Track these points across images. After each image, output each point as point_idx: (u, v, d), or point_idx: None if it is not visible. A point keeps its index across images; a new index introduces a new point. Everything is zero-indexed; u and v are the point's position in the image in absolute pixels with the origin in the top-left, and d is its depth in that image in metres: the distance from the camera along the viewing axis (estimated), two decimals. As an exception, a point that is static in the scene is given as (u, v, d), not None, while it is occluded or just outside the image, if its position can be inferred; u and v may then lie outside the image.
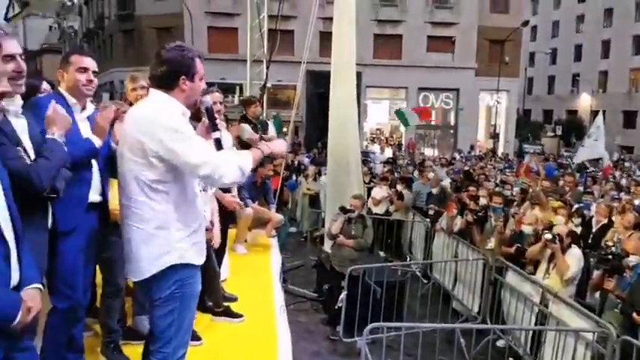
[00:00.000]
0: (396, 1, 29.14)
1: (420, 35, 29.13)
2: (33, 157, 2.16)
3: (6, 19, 48.06)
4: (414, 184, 10.62)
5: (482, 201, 7.92)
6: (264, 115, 7.91)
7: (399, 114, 17.69)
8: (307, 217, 11.06)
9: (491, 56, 29.34)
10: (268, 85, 11.86)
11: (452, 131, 31.55)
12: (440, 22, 29.31)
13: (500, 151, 29.26)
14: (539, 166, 12.59)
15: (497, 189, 8.89)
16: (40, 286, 1.67)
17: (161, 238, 2.17)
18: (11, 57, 2.06)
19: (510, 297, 5.95)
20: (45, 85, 3.13)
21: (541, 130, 40.80)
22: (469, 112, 30.13)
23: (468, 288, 6.92)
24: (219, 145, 2.40)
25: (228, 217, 4.54)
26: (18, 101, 2.15)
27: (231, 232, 5.22)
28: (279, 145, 2.41)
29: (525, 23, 29.31)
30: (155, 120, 2.12)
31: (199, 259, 2.32)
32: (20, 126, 2.16)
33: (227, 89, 21.77)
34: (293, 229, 11.46)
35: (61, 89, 2.61)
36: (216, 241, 3.81)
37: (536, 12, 49.68)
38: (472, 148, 29.20)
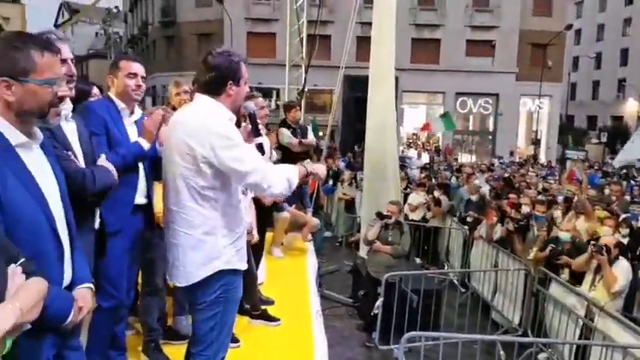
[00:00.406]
0: (435, 5, 28.85)
1: (458, 39, 28.72)
2: (82, 160, 2.23)
3: (56, 25, 50.15)
4: (458, 191, 10.45)
5: (524, 209, 7.69)
6: (302, 119, 7.92)
7: (446, 117, 17.45)
8: (343, 222, 11.04)
9: (533, 60, 28.61)
10: (305, 89, 11.92)
11: (490, 137, 30.90)
12: (480, 26, 28.83)
13: (541, 157, 28.45)
14: (583, 173, 12.14)
15: (539, 197, 8.61)
16: (91, 285, 1.71)
17: (209, 243, 2.19)
18: (63, 61, 2.14)
19: (554, 309, 5.75)
20: (95, 90, 3.23)
21: (585, 136, 39.37)
22: (509, 118, 29.46)
23: (508, 298, 6.73)
24: (261, 150, 2.42)
25: (266, 220, 4.57)
26: (68, 105, 2.21)
27: (268, 235, 5.25)
28: (320, 169, 2.40)
29: (569, 27, 28.52)
30: (206, 126, 2.13)
31: (243, 265, 2.34)
32: (70, 130, 2.23)
33: (264, 94, 21.94)
34: (328, 234, 11.46)
35: (111, 94, 2.69)
36: (255, 237, 3.80)
37: (581, 15, 48.15)
38: (512, 154, 28.50)
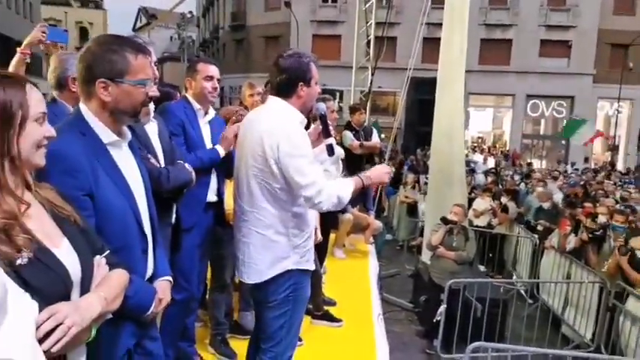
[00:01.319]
0: (507, 4, 27.80)
1: (532, 39, 27.48)
2: (162, 158, 2.35)
3: (134, 29, 53.14)
4: (527, 198, 10.04)
5: (601, 219, 7.25)
6: (367, 121, 7.90)
7: (574, 123, 16.31)
8: (404, 225, 10.88)
9: (613, 62, 26.88)
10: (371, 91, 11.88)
11: (563, 142, 29.36)
12: (555, 26, 27.44)
13: (619, 164, 26.67)
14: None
15: (618, 206, 8.09)
16: (170, 278, 1.79)
17: (280, 243, 2.24)
18: None
19: (631, 326, 5.38)
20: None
21: (669, 143, 36.47)
22: (584, 122, 27.82)
23: (580, 312, 6.37)
24: (331, 150, 2.44)
25: (329, 221, 4.60)
26: (151, 105, 2.35)
27: (331, 236, 5.28)
28: (380, 177, 2.37)
29: (654, 25, 26.51)
30: (277, 129, 2.17)
31: (311, 265, 2.38)
32: (152, 129, 2.36)
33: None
34: (389, 237, 11.35)
35: (188, 95, 2.82)
36: (319, 238, 3.83)
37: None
38: (586, 160, 26.92)
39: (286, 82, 2.25)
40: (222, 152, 2.73)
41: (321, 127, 2.52)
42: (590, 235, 6.83)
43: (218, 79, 2.82)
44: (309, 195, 2.13)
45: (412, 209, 10.93)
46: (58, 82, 2.40)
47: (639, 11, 27.59)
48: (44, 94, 1.37)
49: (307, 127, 2.73)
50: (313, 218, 2.48)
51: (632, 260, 5.72)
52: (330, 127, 2.49)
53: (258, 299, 2.40)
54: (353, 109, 6.44)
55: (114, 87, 1.55)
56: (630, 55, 26.31)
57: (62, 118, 1.71)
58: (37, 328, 1.09)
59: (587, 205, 8.09)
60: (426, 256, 7.10)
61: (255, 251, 2.27)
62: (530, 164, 21.96)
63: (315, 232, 3.69)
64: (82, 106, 1.60)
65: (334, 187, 2.19)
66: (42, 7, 38.44)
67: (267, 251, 2.25)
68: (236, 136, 2.60)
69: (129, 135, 1.68)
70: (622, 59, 25.84)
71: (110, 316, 1.36)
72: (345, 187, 2.21)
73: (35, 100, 1.23)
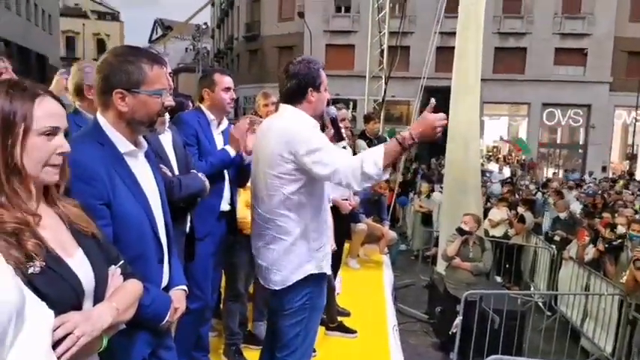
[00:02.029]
0: (521, 12, 27.66)
1: (546, 47, 27.26)
2: (176, 167, 2.36)
3: (150, 40, 53.96)
4: (544, 208, 9.91)
5: (620, 229, 7.11)
6: (381, 131, 7.88)
7: (520, 142, 17.03)
8: (419, 235, 10.79)
9: (630, 70, 26.51)
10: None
11: (580, 151, 28.99)
12: (570, 33, 27.21)
13: (638, 173, 26.23)
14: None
15: (637, 216, 7.93)
16: (185, 287, 1.78)
17: (302, 247, 2.27)
18: None
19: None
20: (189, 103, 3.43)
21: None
22: (601, 130, 27.46)
23: (600, 325, 6.23)
24: None
25: (343, 230, 4.58)
26: (166, 115, 2.37)
27: (345, 246, 5.26)
28: (427, 132, 1.99)
29: (673, 32, 26.17)
30: (290, 134, 2.19)
31: (329, 269, 2.40)
32: (166, 139, 2.38)
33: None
34: (404, 247, 11.26)
35: (202, 106, 2.83)
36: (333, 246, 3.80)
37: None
38: (604, 169, 26.52)
39: (296, 88, 2.27)
40: (232, 152, 2.70)
41: (332, 131, 2.54)
42: (606, 245, 6.70)
43: (234, 90, 2.85)
44: (339, 181, 2.09)
45: (427, 219, 10.84)
46: (76, 89, 2.46)
47: (656, 18, 27.28)
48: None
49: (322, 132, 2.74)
50: (330, 223, 2.46)
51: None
52: (342, 130, 2.49)
53: (275, 307, 2.40)
54: (367, 118, 6.44)
55: (130, 97, 1.56)
56: (648, 62, 26.02)
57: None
58: None
59: (606, 215, 7.95)
60: (441, 266, 7.03)
61: (278, 257, 2.29)
62: (554, 174, 21.65)
63: (330, 241, 3.69)
64: (100, 117, 1.61)
65: (357, 165, 2.03)
66: (60, 20, 39.25)
67: (289, 256, 2.27)
68: (247, 135, 2.62)
69: (145, 145, 1.69)
70: (639, 67, 25.52)
71: (123, 326, 1.36)
72: (373, 156, 2.01)
73: (44, 113, 1.20)
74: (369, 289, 5.08)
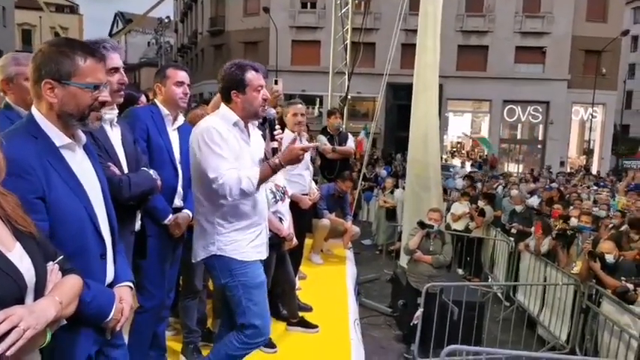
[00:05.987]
0: (483, 12, 28.27)
1: (507, 46, 28.00)
2: (125, 164, 2.30)
3: (110, 34, 52.46)
4: (502, 201, 10.18)
5: (574, 221, 7.37)
6: (344, 127, 7.90)
7: (484, 141, 17.52)
8: (384, 230, 10.91)
9: (587, 68, 27.54)
10: (348, 96, 11.91)
11: (539, 146, 29.90)
12: (530, 32, 28.01)
13: (594, 168, 27.25)
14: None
15: (594, 209, 8.24)
16: (130, 284, 1.75)
17: (208, 230, 2.46)
18: (115, 69, 2.23)
19: (605, 327, 5.47)
20: (142, 98, 3.34)
21: (641, 146, 37.42)
22: (560, 127, 28.42)
23: (555, 314, 6.45)
24: (275, 153, 2.51)
25: (304, 224, 4.58)
26: (114, 110, 2.31)
27: (308, 241, 5.26)
28: (292, 158, 2.38)
29: (625, 33, 27.25)
30: (202, 130, 2.39)
31: (249, 256, 2.47)
32: (115, 135, 2.31)
33: (307, 101, 22.23)
34: (368, 242, 11.37)
35: (157, 101, 2.78)
36: (294, 242, 3.80)
37: (637, 21, 45.86)
38: (562, 164, 27.44)
39: (222, 90, 2.49)
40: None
41: (268, 131, 2.66)
42: (557, 233, 6.93)
43: (188, 85, 2.80)
44: (215, 187, 2.31)
45: (391, 214, 10.98)
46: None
47: (611, 18, 28.33)
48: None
49: (264, 130, 2.79)
50: (256, 214, 2.52)
51: (603, 265, 5.79)
52: (276, 132, 2.58)
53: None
54: (328, 114, 6.48)
55: (60, 88, 1.53)
56: (603, 61, 26.99)
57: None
58: None
59: (557, 206, 8.22)
60: (404, 260, 7.12)
61: (195, 235, 2.55)
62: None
63: (291, 236, 3.69)
64: (34, 110, 1.57)
65: (237, 180, 2.30)
66: (16, 12, 37.67)
67: (200, 235, 2.50)
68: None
69: (84, 138, 1.64)
70: (595, 65, 26.48)
71: (64, 322, 1.34)
72: (250, 177, 2.33)
73: None
74: (331, 284, 5.09)
